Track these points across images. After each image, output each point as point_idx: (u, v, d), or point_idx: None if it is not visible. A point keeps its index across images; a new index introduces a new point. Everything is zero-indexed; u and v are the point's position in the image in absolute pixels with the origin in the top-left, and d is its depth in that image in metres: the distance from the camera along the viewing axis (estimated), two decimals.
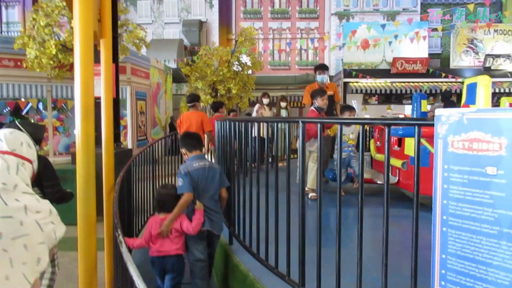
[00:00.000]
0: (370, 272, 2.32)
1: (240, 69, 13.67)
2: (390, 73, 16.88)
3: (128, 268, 1.55)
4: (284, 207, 2.39)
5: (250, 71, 14.21)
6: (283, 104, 8.95)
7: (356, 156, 5.22)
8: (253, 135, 3.44)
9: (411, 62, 16.62)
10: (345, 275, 1.94)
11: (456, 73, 16.77)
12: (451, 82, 16.56)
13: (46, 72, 9.15)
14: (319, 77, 6.13)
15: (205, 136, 6.39)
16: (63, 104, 11.66)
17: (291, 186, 2.43)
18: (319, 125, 1.88)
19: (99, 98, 3.36)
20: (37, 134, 3.32)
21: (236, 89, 13.17)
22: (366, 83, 16.85)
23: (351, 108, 5.49)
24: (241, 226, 3.24)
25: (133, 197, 4.59)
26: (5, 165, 1.50)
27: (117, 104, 6.26)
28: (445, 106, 7.05)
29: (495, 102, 12.59)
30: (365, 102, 17.91)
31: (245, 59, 13.75)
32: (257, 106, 8.70)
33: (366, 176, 5.12)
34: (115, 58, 6.21)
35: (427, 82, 16.72)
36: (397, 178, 5.00)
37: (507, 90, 16.06)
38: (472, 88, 3.98)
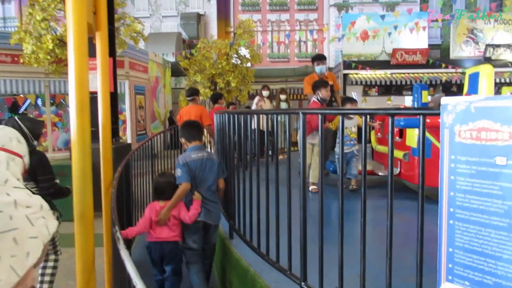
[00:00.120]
0: (373, 265, 2.27)
1: (239, 62, 13.59)
2: (390, 64, 16.77)
3: (125, 265, 1.51)
4: (285, 201, 2.34)
5: (249, 64, 14.12)
6: (282, 96, 8.89)
7: (358, 156, 5.12)
8: (252, 127, 3.40)
9: (411, 53, 16.51)
10: (347, 268, 1.90)
11: (456, 63, 16.67)
12: (451, 72, 16.47)
13: (44, 67, 9.08)
14: (317, 68, 6.04)
15: (204, 130, 6.35)
16: (61, 100, 11.60)
17: (291, 179, 2.39)
18: (320, 116, 1.83)
19: (96, 92, 3.33)
20: (35, 130, 3.35)
21: (235, 82, 13.09)
22: (366, 74, 16.75)
23: (352, 100, 5.41)
24: (242, 220, 3.21)
25: (132, 192, 4.55)
26: None
27: (115, 98, 6.20)
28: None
29: (496, 92, 12.53)
30: (365, 93, 17.82)
31: (244, 51, 13.66)
32: (256, 98, 8.64)
33: (367, 167, 5.08)
34: (112, 52, 6.14)
35: (427, 73, 16.62)
36: (399, 169, 4.96)
37: (508, 80, 15.98)
38: (475, 77, 3.92)
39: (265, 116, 2.85)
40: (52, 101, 11.49)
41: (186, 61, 13.40)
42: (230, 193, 3.58)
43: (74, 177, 2.25)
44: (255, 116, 3.34)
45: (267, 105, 8.61)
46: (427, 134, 4.37)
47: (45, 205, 1.51)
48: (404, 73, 16.68)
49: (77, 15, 2.18)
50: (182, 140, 3.64)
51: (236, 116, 3.32)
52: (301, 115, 1.99)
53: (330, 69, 17.73)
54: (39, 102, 11.78)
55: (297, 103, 18.85)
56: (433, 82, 16.13)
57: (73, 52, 2.18)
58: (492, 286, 1.17)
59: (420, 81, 15.80)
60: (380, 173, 5.23)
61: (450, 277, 1.27)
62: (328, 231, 2.10)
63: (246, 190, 3.10)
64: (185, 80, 15.72)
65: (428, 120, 4.25)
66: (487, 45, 16.65)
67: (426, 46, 17.00)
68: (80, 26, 2.20)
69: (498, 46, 16.52)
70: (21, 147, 1.72)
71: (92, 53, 3.45)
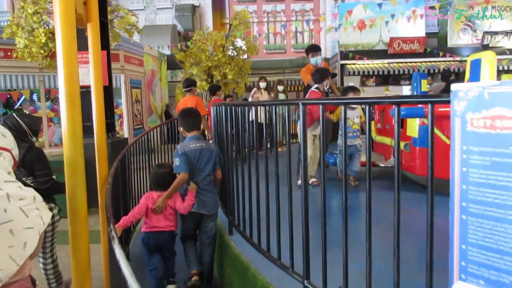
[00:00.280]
0: (375, 261, 2.20)
1: (235, 53, 13.44)
2: (387, 54, 16.65)
3: (120, 266, 1.45)
4: (286, 195, 2.26)
5: (245, 56, 13.97)
6: (280, 88, 8.78)
7: (361, 150, 5.01)
8: (250, 119, 3.33)
9: (408, 42, 16.38)
10: (350, 265, 1.83)
11: (453, 51, 16.56)
12: (449, 61, 16.36)
13: (37, 61, 8.93)
14: (312, 60, 5.83)
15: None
16: (56, 95, 11.46)
17: (291, 173, 2.30)
18: (321, 106, 1.75)
19: (89, 86, 3.25)
20: (34, 126, 3.39)
21: (232, 74, 12.95)
22: (363, 64, 16.63)
23: (355, 89, 5.22)
24: (241, 216, 3.13)
25: (129, 187, 4.47)
26: None
27: (110, 92, 6.10)
28: (447, 86, 6.89)
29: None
30: (363, 84, 17.70)
31: (240, 43, 13.50)
32: (252, 91, 8.54)
33: (365, 159, 5.00)
34: (106, 45, 6.02)
35: (425, 62, 16.51)
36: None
37: (506, 68, 15.89)
38: (476, 64, 3.84)
39: (263, 108, 2.76)
40: (47, 96, 11.36)
41: (182, 53, 13.24)
42: (229, 187, 3.51)
43: (66, 173, 2.17)
44: (252, 107, 3.26)
45: (264, 96, 8.50)
46: None
47: (38, 197, 1.58)
48: (401, 62, 16.56)
49: (65, 4, 2.08)
50: (181, 129, 3.65)
51: (233, 108, 3.23)
52: (301, 106, 1.90)
53: (327, 59, 17.61)
54: (34, 97, 11.65)
55: (294, 95, 18.73)
56: (431, 71, 16.03)
57: (61, 43, 2.09)
58: (509, 285, 1.09)
59: (418, 70, 15.69)
60: (381, 164, 5.16)
61: (463, 276, 1.20)
62: (330, 227, 2.03)
63: (245, 185, 3.02)
64: (181, 73, 15.55)
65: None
66: (485, 33, 16.54)
67: (423, 35, 16.87)
68: (67, 16, 2.10)
69: (496, 33, 16.40)
70: (6, 140, 1.73)
71: (85, 47, 3.37)
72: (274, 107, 2.64)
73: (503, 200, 1.09)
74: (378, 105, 5.47)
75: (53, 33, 8.55)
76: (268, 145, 3.89)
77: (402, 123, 5.10)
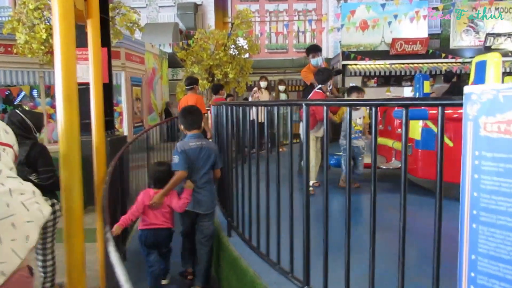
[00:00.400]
0: (378, 263, 2.15)
1: (237, 52, 13.37)
2: (389, 55, 16.57)
3: (115, 271, 1.40)
4: (286, 197, 2.21)
5: (247, 55, 13.90)
6: (281, 87, 8.72)
7: (364, 152, 4.93)
8: (251, 118, 3.29)
9: (410, 43, 16.30)
10: (353, 269, 1.78)
11: (455, 53, 16.45)
12: (451, 62, 16.27)
13: (38, 57, 8.87)
14: (313, 60, 5.68)
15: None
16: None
17: (293, 174, 2.25)
18: (325, 108, 1.69)
19: (88, 83, 3.21)
20: (38, 122, 3.43)
21: (233, 73, 12.89)
22: (365, 65, 16.56)
23: (359, 89, 5.09)
24: (240, 218, 3.07)
25: (127, 185, 4.42)
26: None
27: (110, 89, 6.04)
28: (450, 88, 6.83)
29: None
30: (364, 84, 17.60)
31: (242, 42, 13.43)
32: (253, 90, 8.48)
33: (367, 160, 4.95)
34: (107, 42, 5.97)
35: (427, 63, 16.43)
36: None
37: (508, 70, 15.81)
38: (481, 66, 3.78)
39: (264, 108, 2.71)
40: (47, 93, 11.30)
41: (183, 52, 13.17)
42: (228, 188, 3.46)
43: (62, 172, 2.12)
44: (253, 107, 3.20)
45: (265, 96, 8.44)
46: (432, 126, 4.24)
47: (37, 191, 1.63)
48: (403, 63, 16.48)
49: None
50: (181, 127, 3.64)
51: (234, 108, 3.17)
52: (304, 107, 1.84)
53: (328, 60, 17.55)
54: (35, 93, 11.59)
55: (295, 95, 18.66)
56: (433, 72, 15.95)
57: (59, 39, 2.04)
58: None
59: (420, 71, 15.60)
60: (382, 166, 5.10)
61: (472, 287, 1.14)
62: (330, 229, 1.97)
63: (245, 186, 2.97)
64: (182, 72, 15.48)
65: (433, 112, 4.12)
66: (488, 34, 16.44)
67: (426, 36, 16.78)
68: (66, 12, 2.05)
69: (499, 35, 16.31)
70: (9, 137, 1.79)
71: (85, 44, 3.32)
72: (276, 107, 2.58)
73: None
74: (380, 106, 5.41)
75: None
76: (269, 145, 3.85)
77: None
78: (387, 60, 16.54)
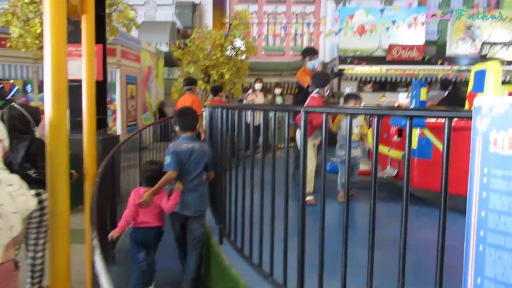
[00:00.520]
0: (376, 276, 2.09)
1: (234, 53, 13.29)
2: (385, 61, 16.56)
3: (100, 282, 1.34)
4: (281, 205, 2.14)
5: (243, 57, 13.82)
6: (277, 90, 8.67)
7: (361, 161, 4.84)
8: (247, 122, 3.21)
9: (407, 49, 16.30)
10: (349, 285, 1.71)
11: (452, 60, 16.47)
12: (447, 70, 16.29)
13: (32, 52, 8.73)
14: (309, 64, 5.51)
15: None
16: None
17: (289, 181, 2.17)
18: (325, 115, 1.62)
19: (81, 80, 3.14)
20: (36, 116, 3.42)
21: (229, 74, 12.80)
22: (361, 70, 16.55)
23: (356, 97, 4.96)
24: (232, 225, 2.99)
25: (118, 186, 4.33)
26: None
27: (104, 87, 5.94)
28: (448, 96, 6.78)
29: None
30: (360, 89, 17.61)
31: (239, 43, 13.35)
32: (248, 92, 8.42)
33: (363, 168, 4.89)
34: (102, 38, 5.87)
35: (423, 70, 16.44)
36: (397, 170, 4.78)
37: (504, 79, 15.86)
38: (481, 75, 3.74)
39: (259, 111, 2.63)
40: (40, 88, 11.15)
41: (180, 51, 13.07)
42: (220, 194, 3.39)
43: (49, 174, 2.03)
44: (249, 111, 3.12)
45: (259, 98, 8.36)
46: (429, 135, 4.19)
47: (24, 184, 1.69)
48: (399, 70, 16.48)
49: None
50: (176, 128, 3.63)
51: (230, 111, 3.09)
52: (303, 114, 1.77)
53: (324, 64, 17.52)
54: (28, 88, 11.44)
55: (291, 98, 18.61)
56: (429, 80, 15.97)
57: (49, 34, 1.96)
58: None
59: (416, 78, 15.60)
60: (378, 174, 5.04)
61: None
62: (325, 241, 1.90)
63: (238, 192, 2.88)
64: (178, 71, 15.36)
65: (430, 120, 4.06)
66: (484, 43, 16.48)
67: (423, 42, 16.81)
68: (58, 5, 1.96)
69: (495, 44, 16.36)
70: (0, 131, 1.83)
71: (79, 40, 3.24)
72: (274, 113, 2.49)
73: None
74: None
75: None
76: (264, 149, 3.76)
77: (400, 133, 4.98)
78: (383, 66, 16.54)
